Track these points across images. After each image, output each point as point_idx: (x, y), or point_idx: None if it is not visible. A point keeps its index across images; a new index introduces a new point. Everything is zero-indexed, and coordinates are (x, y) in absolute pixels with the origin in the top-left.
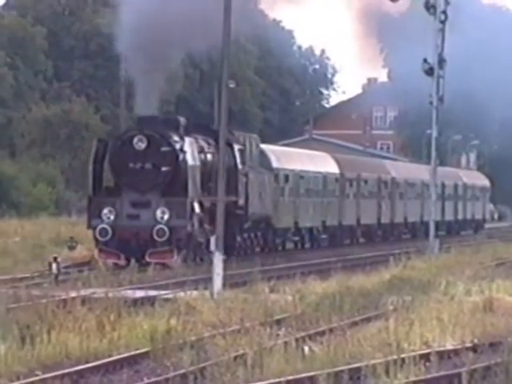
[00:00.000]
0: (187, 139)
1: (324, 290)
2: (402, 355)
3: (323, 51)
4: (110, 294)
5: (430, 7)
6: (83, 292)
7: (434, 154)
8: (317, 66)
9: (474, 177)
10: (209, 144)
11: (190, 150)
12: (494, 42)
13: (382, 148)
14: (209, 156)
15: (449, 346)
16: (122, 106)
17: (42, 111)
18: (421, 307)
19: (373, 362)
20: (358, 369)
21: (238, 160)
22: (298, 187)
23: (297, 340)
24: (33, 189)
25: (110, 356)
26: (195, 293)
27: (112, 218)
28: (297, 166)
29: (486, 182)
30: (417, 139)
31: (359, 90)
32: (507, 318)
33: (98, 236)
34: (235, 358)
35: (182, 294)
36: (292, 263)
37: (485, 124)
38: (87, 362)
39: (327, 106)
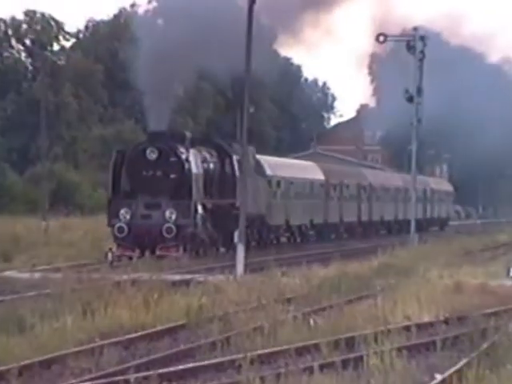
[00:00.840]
0: (191, 151)
1: (325, 274)
2: (388, 327)
3: (325, 83)
4: (154, 277)
5: (410, 48)
6: (132, 275)
7: (413, 165)
8: (319, 95)
9: (440, 183)
10: (211, 155)
11: (194, 160)
12: (460, 78)
13: (371, 160)
14: (211, 165)
15: (425, 320)
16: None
17: (99, 131)
18: (403, 288)
19: (364, 332)
20: (353, 338)
21: (236, 168)
22: (289, 191)
23: (303, 314)
24: (93, 193)
25: (154, 327)
26: (221, 276)
27: (128, 217)
28: (287, 174)
29: (450, 188)
30: (400, 153)
31: (353, 114)
32: (472, 297)
33: (116, 233)
34: (254, 328)
35: (211, 277)
36: (299, 253)
37: (454, 142)
38: (136, 332)
39: (328, 126)
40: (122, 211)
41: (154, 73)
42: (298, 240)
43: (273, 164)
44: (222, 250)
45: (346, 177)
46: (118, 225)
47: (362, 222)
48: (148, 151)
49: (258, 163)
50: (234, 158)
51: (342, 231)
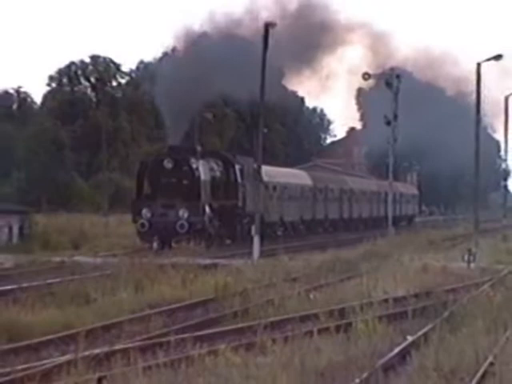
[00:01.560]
0: (201, 162)
1: (322, 259)
2: (371, 300)
3: (322, 110)
4: (190, 261)
5: (388, 84)
6: (173, 260)
7: (390, 174)
8: (318, 119)
9: (407, 188)
10: (217, 165)
11: (203, 169)
12: (426, 107)
13: (359, 170)
14: (217, 173)
15: (400, 294)
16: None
17: (147, 148)
18: (382, 270)
19: (353, 303)
20: (344, 308)
21: (238, 175)
22: (283, 194)
23: (305, 290)
24: None
25: (189, 300)
26: (241, 261)
27: (149, 215)
28: (281, 180)
29: (416, 191)
30: (380, 165)
31: (344, 134)
32: (436, 277)
33: (139, 228)
34: (267, 301)
35: (233, 261)
36: (302, 242)
37: (422, 156)
38: (175, 304)
39: (324, 144)
40: (144, 210)
41: (175, 99)
42: (292, 233)
43: (269, 172)
44: (228, 241)
45: (331, 182)
46: (140, 221)
47: (344, 219)
48: (165, 161)
49: (257, 171)
50: (237, 167)
51: (327, 226)
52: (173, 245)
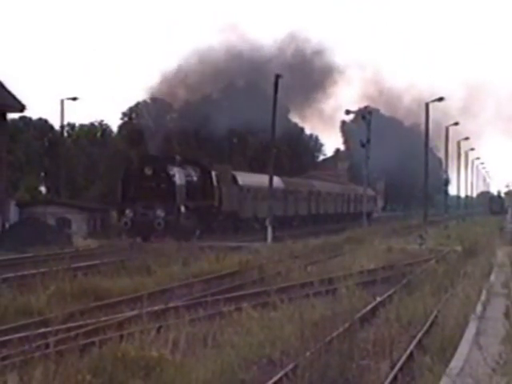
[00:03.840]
0: (176, 169)
1: (316, 242)
2: (351, 271)
3: (317, 136)
4: (221, 244)
5: (363, 117)
6: (209, 243)
7: (365, 183)
8: (313, 143)
9: (368, 191)
10: (195, 171)
11: (178, 175)
12: (390, 134)
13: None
14: (194, 178)
15: (371, 267)
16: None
17: None
18: (359, 250)
19: (338, 274)
20: (331, 278)
21: (214, 180)
22: (257, 195)
23: (304, 265)
24: None
25: (221, 272)
26: (258, 244)
27: (131, 215)
28: (255, 183)
29: (373, 193)
30: (357, 176)
31: (332, 154)
32: (397, 255)
33: (122, 226)
34: (277, 273)
35: (253, 244)
36: (301, 231)
37: (387, 169)
38: (211, 274)
39: (318, 160)
40: (127, 211)
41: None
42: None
43: (245, 177)
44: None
45: (300, 186)
46: (123, 220)
47: (312, 215)
48: (146, 169)
49: (233, 177)
50: (213, 173)
51: (297, 221)
52: (152, 240)
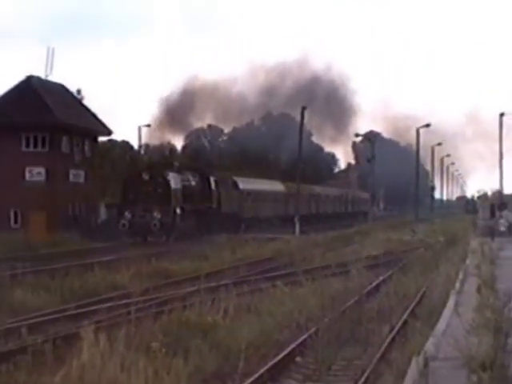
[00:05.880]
0: (172, 174)
1: (333, 234)
2: (360, 257)
3: (333, 154)
4: (260, 236)
5: (369, 140)
6: (252, 235)
7: (371, 190)
8: (330, 158)
9: (362, 194)
10: (194, 177)
11: (174, 180)
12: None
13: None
14: (192, 183)
15: (375, 253)
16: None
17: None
18: (366, 240)
19: (350, 259)
20: (345, 262)
21: (213, 185)
22: (257, 198)
23: (323, 252)
24: None
25: (260, 257)
26: (288, 236)
27: (130, 217)
28: (255, 188)
29: (368, 196)
30: (365, 184)
31: (345, 167)
32: (395, 244)
33: (120, 227)
34: (303, 258)
35: (284, 236)
36: (320, 226)
37: (387, 180)
38: (253, 259)
39: (334, 172)
40: (126, 213)
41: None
42: (266, 225)
43: (245, 182)
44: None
45: (301, 189)
46: (122, 222)
47: (312, 214)
48: (144, 174)
49: (234, 182)
50: (211, 178)
51: (297, 220)
52: (149, 239)
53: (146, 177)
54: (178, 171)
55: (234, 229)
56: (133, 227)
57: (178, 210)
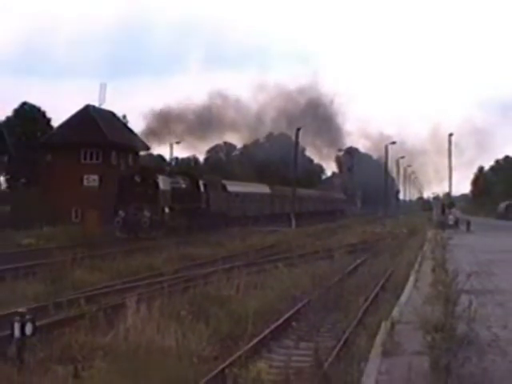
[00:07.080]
0: (161, 177)
1: (321, 227)
2: (342, 244)
3: (321, 165)
4: (264, 229)
5: (349, 153)
6: (256, 229)
7: (352, 193)
8: (318, 168)
9: (339, 194)
10: (184, 180)
11: (162, 183)
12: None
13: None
14: (183, 185)
15: (353, 242)
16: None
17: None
18: (346, 232)
19: (334, 246)
20: (330, 248)
21: (201, 187)
22: (245, 198)
23: (313, 241)
24: None
25: (263, 245)
26: (286, 228)
27: (123, 215)
28: (242, 190)
29: (343, 196)
30: (346, 189)
31: (330, 175)
32: (369, 235)
33: (115, 224)
34: (297, 245)
35: (282, 228)
36: (310, 222)
37: (364, 185)
38: (259, 246)
39: (322, 179)
40: (120, 211)
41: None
42: (253, 222)
43: (233, 185)
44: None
45: (285, 191)
46: (117, 219)
47: (296, 212)
48: (136, 176)
49: (223, 185)
50: (200, 181)
51: (284, 217)
52: (140, 235)
53: (137, 179)
54: (169, 175)
55: (222, 226)
56: (126, 224)
57: (167, 209)
